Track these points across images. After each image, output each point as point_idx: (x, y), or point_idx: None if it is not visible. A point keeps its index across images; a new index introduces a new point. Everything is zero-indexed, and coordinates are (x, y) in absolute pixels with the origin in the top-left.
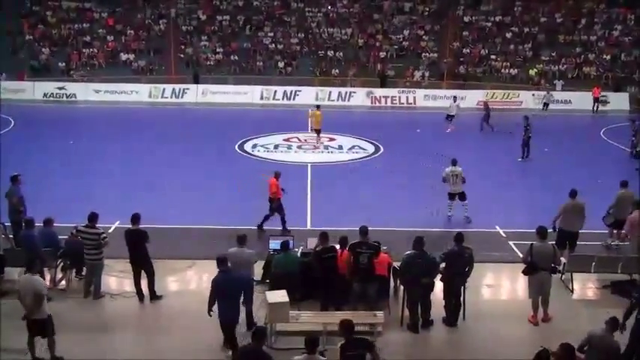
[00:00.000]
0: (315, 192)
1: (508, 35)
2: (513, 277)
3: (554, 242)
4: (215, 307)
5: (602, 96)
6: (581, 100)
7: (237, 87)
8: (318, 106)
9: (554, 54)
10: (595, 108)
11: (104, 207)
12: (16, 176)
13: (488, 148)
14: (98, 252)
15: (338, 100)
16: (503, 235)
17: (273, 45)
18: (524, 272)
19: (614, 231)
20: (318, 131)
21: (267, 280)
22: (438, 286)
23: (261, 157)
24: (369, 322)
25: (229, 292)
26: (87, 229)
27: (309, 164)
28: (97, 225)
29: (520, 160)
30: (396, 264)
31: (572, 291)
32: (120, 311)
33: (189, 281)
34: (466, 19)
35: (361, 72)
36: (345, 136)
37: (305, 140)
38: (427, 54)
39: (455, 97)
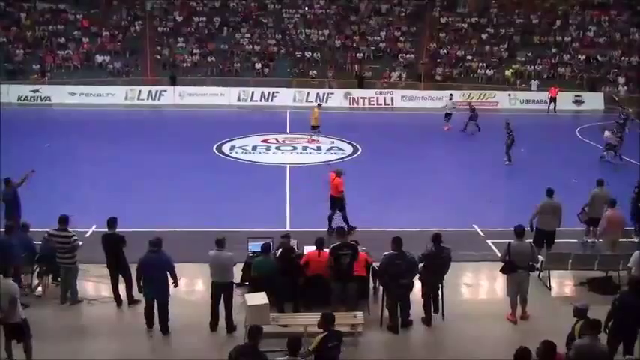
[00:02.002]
0: (294, 193)
1: (484, 36)
2: (492, 275)
3: (531, 241)
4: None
5: (577, 96)
6: (557, 100)
7: (214, 88)
8: (319, 105)
9: (529, 55)
10: (552, 107)
11: (80, 211)
12: (8, 180)
13: (467, 149)
14: (71, 255)
15: (316, 101)
16: (482, 234)
17: (250, 46)
18: (503, 271)
19: (590, 229)
20: (313, 128)
21: (247, 283)
22: (417, 285)
23: (239, 159)
24: (349, 322)
25: (152, 271)
26: (58, 233)
27: (287, 165)
28: (70, 229)
29: (507, 163)
30: (376, 264)
31: (549, 288)
32: (97, 316)
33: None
34: (442, 20)
35: (339, 73)
36: (323, 137)
37: (283, 141)
38: (404, 55)
39: (451, 95)
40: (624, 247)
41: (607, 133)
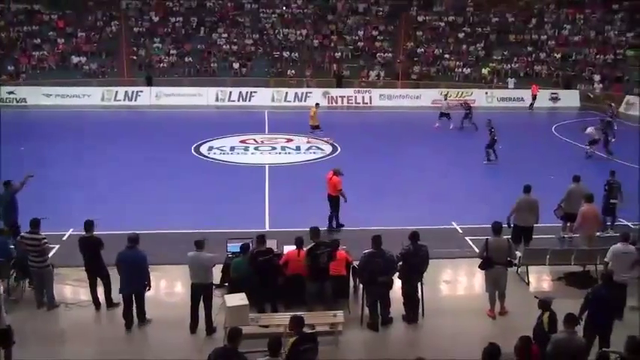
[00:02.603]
0: (273, 193)
1: (461, 35)
2: (471, 272)
3: (509, 237)
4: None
5: (553, 93)
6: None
7: (191, 89)
8: (316, 104)
9: (506, 53)
10: (532, 105)
11: (57, 214)
12: (7, 182)
13: (445, 147)
14: (42, 259)
15: (294, 100)
16: (460, 231)
17: (228, 46)
18: (481, 267)
19: (567, 224)
20: (313, 127)
21: (226, 284)
22: (397, 283)
23: (217, 160)
24: (329, 321)
25: (128, 264)
26: (29, 236)
27: (266, 165)
28: (41, 232)
29: (486, 162)
30: (356, 263)
31: (528, 284)
32: (76, 321)
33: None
34: (420, 19)
35: (317, 72)
36: (302, 137)
37: (262, 141)
38: (382, 54)
39: (446, 95)
40: (601, 241)
41: (589, 129)
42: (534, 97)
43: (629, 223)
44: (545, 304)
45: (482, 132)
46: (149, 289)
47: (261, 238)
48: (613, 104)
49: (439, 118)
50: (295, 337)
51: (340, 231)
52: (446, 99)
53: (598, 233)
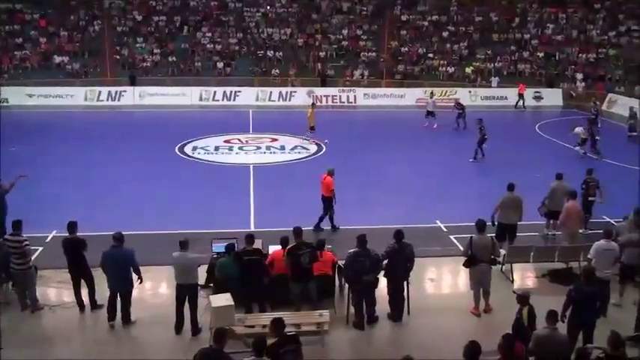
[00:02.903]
0: (258, 193)
1: (444, 34)
2: (455, 270)
3: (493, 235)
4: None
5: (536, 92)
6: (516, 96)
7: (175, 88)
8: (312, 104)
9: (489, 52)
10: (521, 103)
11: (40, 215)
12: None
13: (430, 146)
14: (23, 261)
15: (279, 100)
16: (444, 229)
17: (212, 45)
18: (465, 265)
19: (550, 221)
20: (312, 129)
21: (211, 284)
22: (382, 282)
23: (201, 160)
24: (315, 321)
25: (114, 265)
26: (12, 238)
27: (251, 165)
28: (24, 234)
29: (471, 160)
30: (341, 262)
31: (512, 281)
32: (60, 323)
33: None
34: (403, 18)
35: (301, 71)
36: (287, 136)
37: (246, 141)
38: (366, 53)
39: (432, 94)
40: (583, 238)
41: (577, 129)
42: (521, 96)
43: (611, 220)
44: (523, 298)
45: (470, 131)
46: (141, 283)
47: (250, 238)
48: (598, 102)
49: (426, 117)
50: (275, 339)
51: (337, 231)
52: (431, 98)
53: (581, 230)
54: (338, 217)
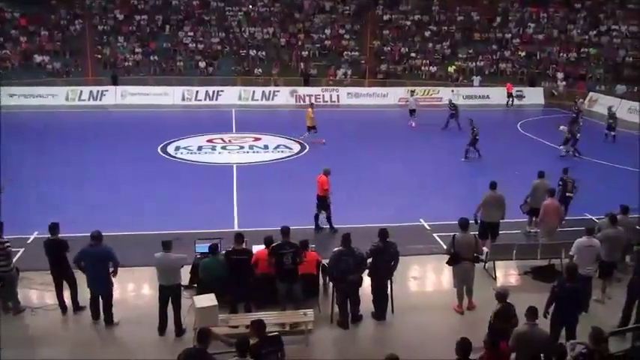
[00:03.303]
0: (241, 192)
1: (427, 34)
2: (439, 268)
3: (475, 233)
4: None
5: (518, 91)
6: (498, 95)
7: (157, 88)
8: (311, 104)
9: (471, 51)
10: (510, 102)
11: (22, 217)
12: None
13: (412, 145)
14: (6, 263)
15: (262, 99)
16: (428, 227)
17: (194, 45)
18: (448, 263)
19: (533, 219)
20: (309, 128)
21: (195, 285)
22: (367, 281)
23: (184, 160)
24: (300, 320)
25: (92, 264)
26: None
27: (234, 165)
28: (5, 235)
29: (463, 160)
30: (325, 261)
31: (495, 279)
32: (42, 325)
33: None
34: (385, 17)
35: (284, 71)
36: (270, 136)
37: (229, 141)
38: (349, 53)
39: (412, 92)
40: (562, 235)
41: (562, 127)
42: (510, 95)
43: (593, 217)
44: (501, 295)
45: (461, 132)
46: (114, 275)
47: (239, 237)
48: (581, 100)
49: (410, 116)
50: (257, 340)
51: (336, 231)
52: (412, 96)
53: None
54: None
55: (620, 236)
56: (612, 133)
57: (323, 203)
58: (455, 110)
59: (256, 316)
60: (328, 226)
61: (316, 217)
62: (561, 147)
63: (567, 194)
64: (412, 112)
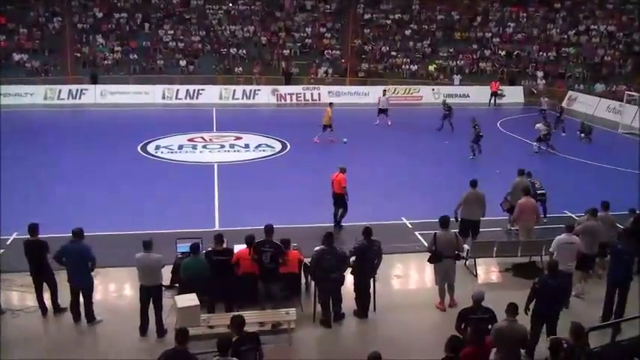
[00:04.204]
0: (222, 192)
1: (407, 33)
2: (421, 266)
3: (456, 231)
4: None
5: (500, 90)
6: (478, 94)
7: (137, 87)
8: (330, 104)
9: (451, 50)
10: (493, 101)
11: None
12: None
13: (394, 143)
14: None
15: (243, 98)
16: (410, 225)
17: (174, 43)
18: (430, 261)
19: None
20: (325, 127)
21: (176, 285)
22: (349, 279)
23: (165, 159)
24: (282, 319)
25: (72, 260)
26: None
27: (215, 164)
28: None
29: (471, 157)
30: (307, 260)
31: (476, 276)
32: (23, 327)
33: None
34: (366, 16)
35: (265, 69)
36: (251, 135)
37: (210, 140)
38: (330, 51)
39: (384, 91)
40: (541, 232)
41: (538, 125)
42: (494, 94)
43: (573, 215)
44: (474, 301)
45: (451, 132)
46: (92, 271)
47: (219, 237)
48: (545, 99)
49: (378, 115)
50: (236, 337)
51: (341, 229)
52: (384, 95)
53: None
54: (304, 214)
55: (599, 229)
56: (582, 135)
57: (340, 201)
58: (449, 111)
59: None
60: (333, 222)
61: (336, 215)
62: (535, 143)
63: (538, 192)
64: (384, 111)
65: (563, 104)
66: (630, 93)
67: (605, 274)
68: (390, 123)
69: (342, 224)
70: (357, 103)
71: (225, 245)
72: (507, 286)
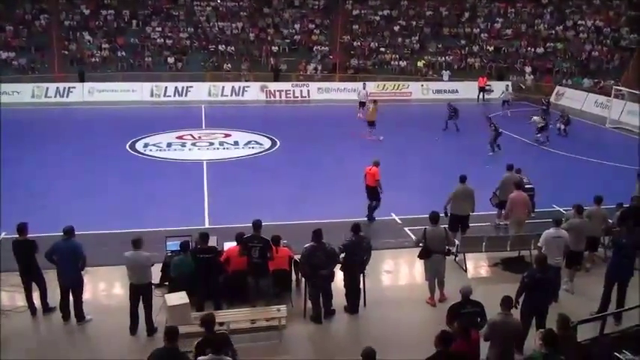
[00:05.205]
0: (212, 189)
1: (396, 29)
2: (410, 262)
3: (446, 226)
4: None
5: (488, 85)
6: (467, 90)
7: (125, 84)
8: (374, 101)
9: (440, 46)
10: (482, 96)
11: None
12: None
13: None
14: None
15: (232, 95)
16: (399, 221)
17: (162, 40)
18: (420, 256)
19: (502, 211)
20: (369, 123)
21: (166, 283)
22: (339, 275)
23: (154, 157)
24: (273, 316)
25: (64, 255)
26: None
27: (204, 161)
28: None
29: (491, 154)
30: (297, 257)
31: (466, 271)
32: (12, 327)
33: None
34: (355, 12)
35: (254, 66)
36: (240, 132)
37: (199, 137)
38: (319, 48)
39: (364, 85)
40: (531, 227)
41: (536, 118)
42: (481, 89)
43: (561, 209)
44: (462, 295)
45: (456, 133)
46: (83, 269)
47: (204, 236)
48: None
49: (359, 107)
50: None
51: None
52: (364, 88)
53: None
54: (295, 211)
55: (584, 226)
56: (563, 127)
57: (374, 193)
58: (454, 112)
59: (228, 314)
60: (368, 215)
61: (370, 208)
62: (538, 135)
63: (527, 187)
64: (362, 104)
65: (552, 99)
66: (617, 88)
67: (593, 267)
68: (359, 116)
69: (374, 217)
70: (346, 100)
71: (215, 243)
72: (497, 280)
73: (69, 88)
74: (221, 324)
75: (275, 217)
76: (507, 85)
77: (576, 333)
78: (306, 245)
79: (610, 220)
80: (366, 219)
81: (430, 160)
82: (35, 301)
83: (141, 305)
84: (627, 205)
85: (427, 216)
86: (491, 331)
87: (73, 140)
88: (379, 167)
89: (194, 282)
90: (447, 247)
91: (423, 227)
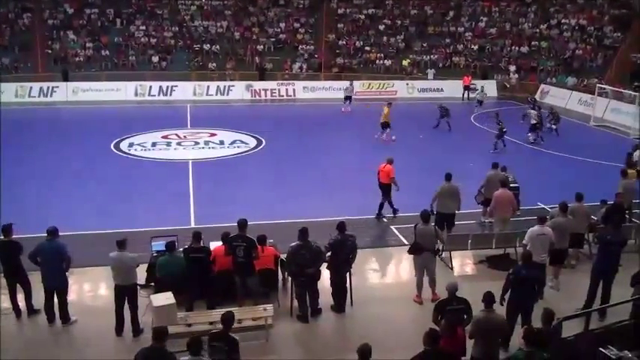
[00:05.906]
0: (198, 189)
1: (381, 27)
2: (397, 260)
3: (435, 225)
4: None
5: (472, 84)
6: (452, 88)
7: (109, 83)
8: (389, 103)
9: (424, 45)
10: (466, 95)
11: None
12: None
13: (369, 138)
14: None
15: (217, 94)
16: (386, 220)
17: (146, 39)
18: (410, 251)
19: (487, 209)
20: (382, 125)
21: (152, 283)
22: (325, 274)
23: (138, 156)
24: (259, 315)
25: (46, 258)
26: None
27: (190, 161)
28: None
29: (492, 152)
30: (283, 256)
31: (451, 268)
32: None
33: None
34: (340, 11)
35: (239, 65)
36: (225, 131)
37: (184, 136)
38: (304, 46)
39: (351, 82)
40: (516, 224)
41: (531, 112)
42: (466, 88)
43: (546, 207)
44: (450, 289)
45: (447, 132)
46: (67, 270)
47: (197, 235)
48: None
49: (344, 101)
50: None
51: (395, 217)
52: (351, 84)
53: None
54: (279, 210)
55: (568, 225)
56: (554, 127)
57: (388, 190)
58: (446, 112)
59: (214, 313)
60: (391, 211)
61: (381, 206)
62: (529, 134)
63: (511, 185)
64: (348, 98)
65: (537, 97)
66: (601, 86)
67: (578, 264)
68: (344, 109)
69: (383, 213)
70: (331, 98)
71: (201, 243)
72: (482, 277)
73: (52, 87)
74: (211, 323)
75: (261, 217)
76: (482, 87)
77: (561, 329)
78: (292, 244)
79: (594, 217)
80: (376, 216)
81: (417, 158)
82: (20, 303)
83: (126, 306)
84: (611, 202)
85: (414, 214)
86: (475, 328)
87: (57, 140)
88: (393, 164)
89: (184, 282)
90: (437, 248)
91: (410, 225)
